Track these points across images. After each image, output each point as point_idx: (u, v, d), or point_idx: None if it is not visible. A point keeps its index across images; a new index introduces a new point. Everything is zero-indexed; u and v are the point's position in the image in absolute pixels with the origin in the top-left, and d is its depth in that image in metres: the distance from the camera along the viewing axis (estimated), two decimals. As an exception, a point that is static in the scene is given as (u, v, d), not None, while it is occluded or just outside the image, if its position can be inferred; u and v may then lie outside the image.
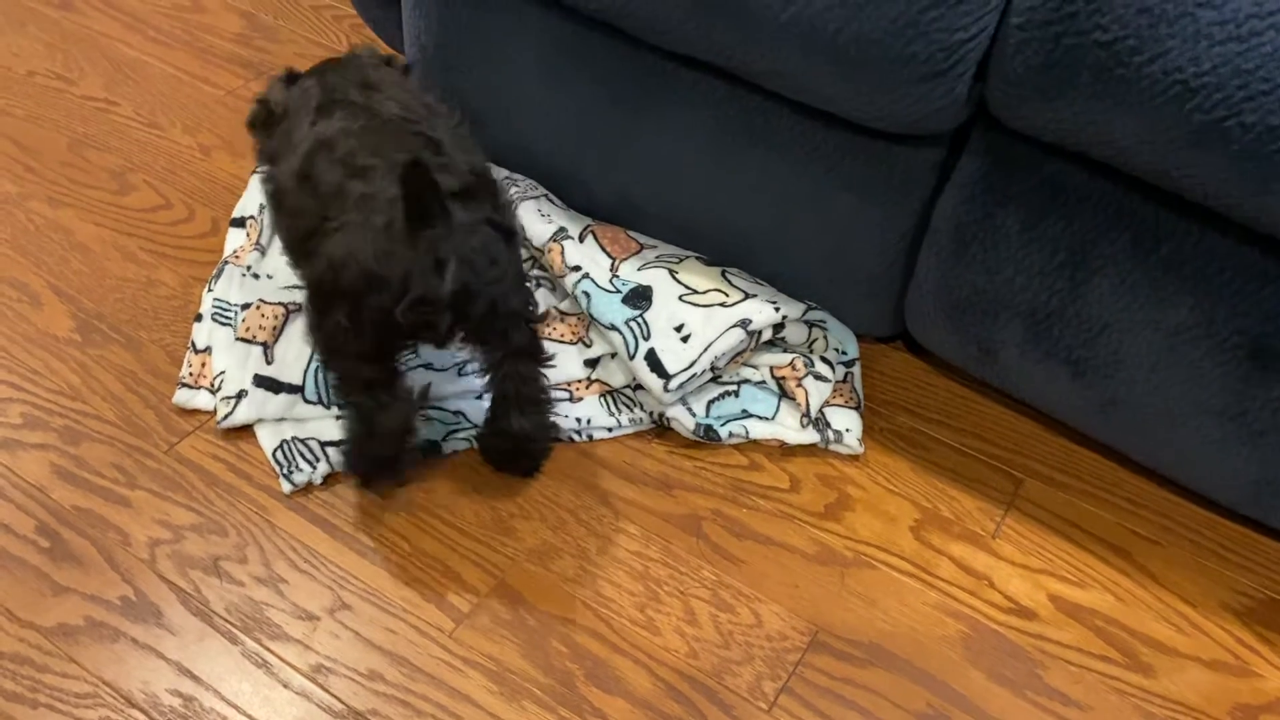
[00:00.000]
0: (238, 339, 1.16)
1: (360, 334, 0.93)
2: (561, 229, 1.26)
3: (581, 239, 1.27)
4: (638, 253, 1.28)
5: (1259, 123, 0.82)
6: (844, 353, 1.23)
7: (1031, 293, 1.06)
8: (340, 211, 0.92)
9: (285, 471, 1.07)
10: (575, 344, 1.22)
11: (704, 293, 1.19)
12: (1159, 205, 0.97)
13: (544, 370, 1.05)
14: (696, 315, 1.16)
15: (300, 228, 0.97)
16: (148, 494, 1.06)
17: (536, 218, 1.28)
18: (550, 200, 1.33)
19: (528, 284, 1.03)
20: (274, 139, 1.08)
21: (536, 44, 1.22)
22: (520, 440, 1.07)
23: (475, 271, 0.91)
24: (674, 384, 1.12)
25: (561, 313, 1.24)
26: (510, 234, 0.96)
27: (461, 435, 1.12)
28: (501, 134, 1.33)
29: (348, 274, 0.90)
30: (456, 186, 0.91)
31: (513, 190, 1.31)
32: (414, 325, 0.91)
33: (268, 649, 0.95)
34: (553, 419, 1.09)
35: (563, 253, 1.24)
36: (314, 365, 1.15)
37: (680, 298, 1.19)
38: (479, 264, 0.91)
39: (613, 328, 1.17)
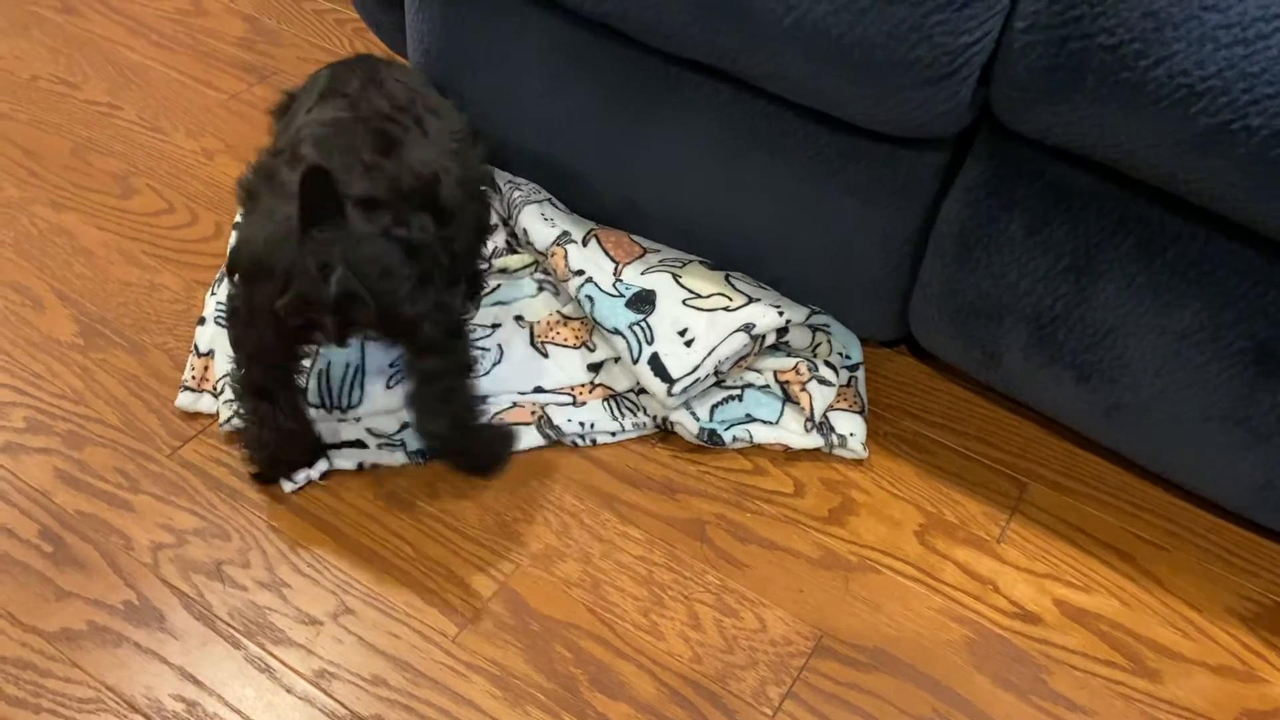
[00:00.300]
0: (241, 343, 1.16)
1: (251, 323, 0.96)
2: (565, 233, 1.26)
3: (585, 243, 1.27)
4: (641, 257, 1.28)
5: (1265, 126, 0.82)
6: (848, 357, 1.23)
7: (1036, 297, 1.05)
8: (268, 198, 0.95)
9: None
10: (579, 348, 1.22)
11: (707, 297, 1.19)
12: (1164, 209, 0.96)
13: (457, 370, 1.03)
14: (700, 320, 1.16)
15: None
16: (150, 498, 1.06)
17: (540, 221, 1.28)
18: (553, 204, 1.33)
19: (444, 290, 1.01)
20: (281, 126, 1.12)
21: (539, 47, 1.22)
22: (438, 439, 1.05)
23: (363, 279, 0.91)
24: (678, 388, 1.12)
25: (565, 317, 1.24)
26: (413, 248, 0.96)
27: (465, 439, 1.12)
28: (505, 137, 1.33)
29: (240, 257, 0.95)
30: (363, 194, 0.94)
31: (516, 194, 1.31)
32: (299, 322, 0.93)
33: (271, 654, 0.95)
34: (477, 419, 1.06)
35: (566, 257, 1.23)
36: (317, 368, 1.15)
37: (684, 302, 1.19)
38: (367, 273, 0.92)
39: (616, 332, 1.17)
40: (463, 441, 1.07)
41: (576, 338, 1.22)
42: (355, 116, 1.03)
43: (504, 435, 1.10)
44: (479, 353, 1.19)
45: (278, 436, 1.03)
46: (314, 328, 0.94)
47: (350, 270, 0.91)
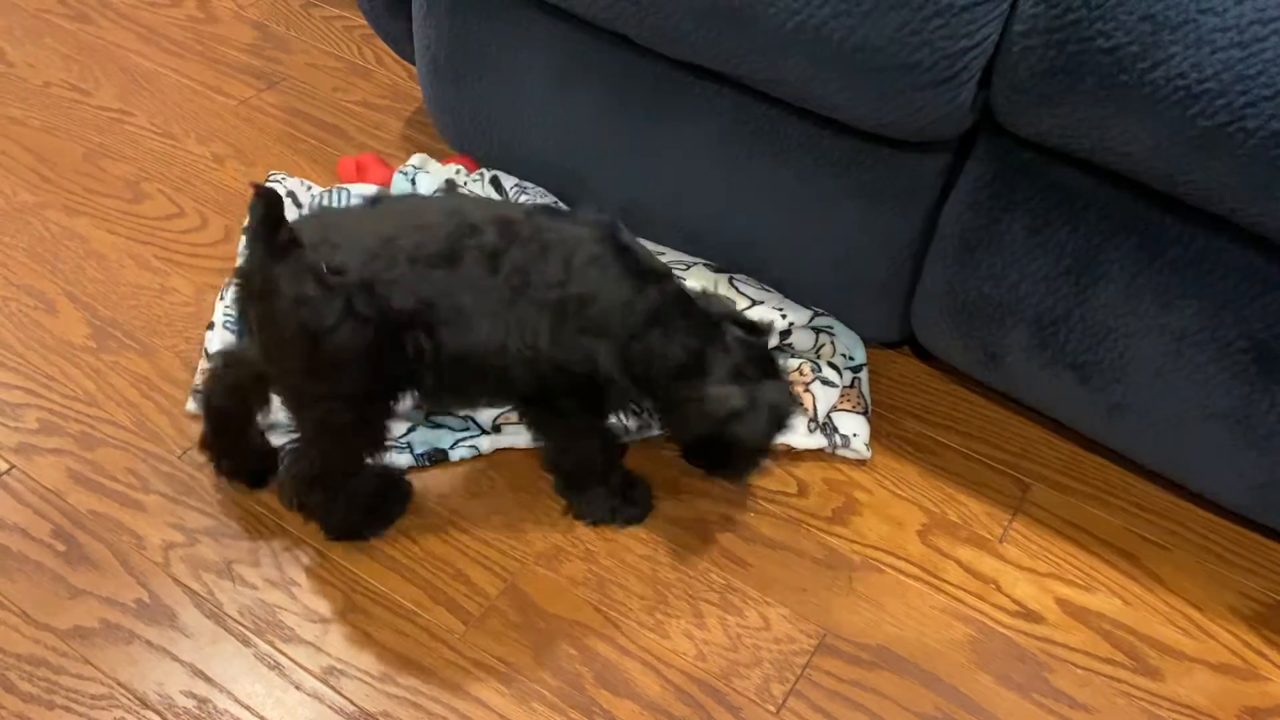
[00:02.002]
0: (250, 345, 1.17)
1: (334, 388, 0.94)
2: (570, 236, 1.27)
3: (590, 246, 1.28)
4: (646, 259, 1.29)
5: (1262, 128, 0.83)
6: (851, 358, 1.24)
7: (1037, 298, 1.06)
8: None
9: (297, 476, 1.08)
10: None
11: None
12: (1164, 210, 0.97)
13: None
14: (704, 321, 1.17)
15: None
16: (162, 498, 1.07)
17: (546, 225, 1.29)
18: (559, 207, 1.34)
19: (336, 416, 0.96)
20: None
21: (545, 53, 1.23)
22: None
23: (261, 331, 0.92)
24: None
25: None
26: (314, 340, 0.89)
27: (469, 442, 1.13)
28: (511, 141, 1.34)
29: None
30: (318, 265, 0.87)
31: (523, 198, 1.32)
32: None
33: (280, 651, 0.96)
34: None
35: (572, 259, 1.24)
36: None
37: (688, 304, 1.20)
38: (265, 329, 0.91)
39: (621, 333, 1.18)
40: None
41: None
42: (472, 225, 0.93)
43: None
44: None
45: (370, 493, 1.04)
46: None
47: (258, 309, 0.91)
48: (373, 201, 0.99)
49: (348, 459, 0.99)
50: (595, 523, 1.08)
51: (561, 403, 0.99)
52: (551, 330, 0.93)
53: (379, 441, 0.99)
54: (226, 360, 1.02)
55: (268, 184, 0.89)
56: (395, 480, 1.08)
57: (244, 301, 0.93)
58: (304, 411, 0.96)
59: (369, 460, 1.00)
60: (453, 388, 0.96)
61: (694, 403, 0.95)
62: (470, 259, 0.91)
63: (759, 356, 1.00)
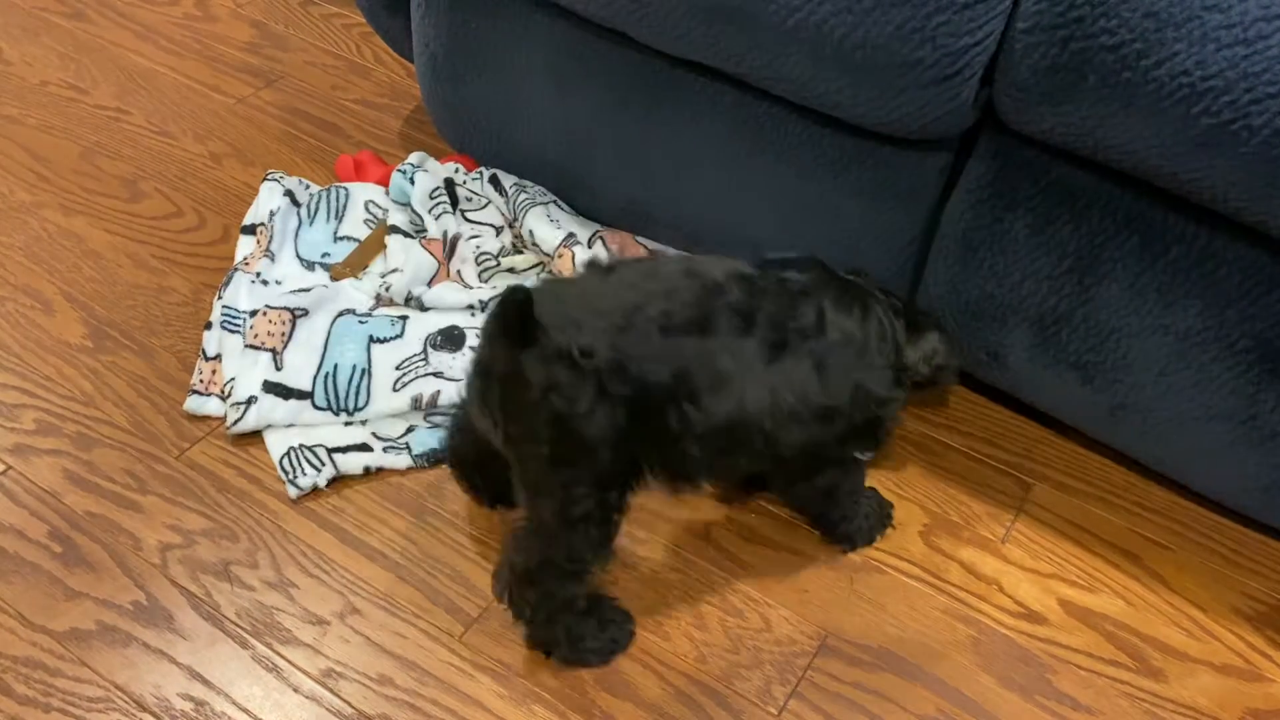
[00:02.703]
0: (247, 346, 1.17)
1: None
2: (571, 234, 1.27)
3: (590, 245, 1.28)
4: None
5: (1266, 125, 0.82)
6: (852, 358, 1.23)
7: (1040, 297, 1.06)
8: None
9: (291, 477, 1.08)
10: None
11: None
12: (1167, 209, 0.97)
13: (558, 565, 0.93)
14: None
15: None
16: (159, 499, 1.06)
17: (546, 223, 1.28)
18: (559, 206, 1.33)
19: (591, 498, 0.89)
20: None
21: (544, 51, 1.22)
22: None
23: (504, 420, 0.87)
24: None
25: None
26: (564, 426, 0.84)
27: (471, 441, 1.13)
28: (511, 140, 1.33)
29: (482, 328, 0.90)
30: (573, 347, 0.82)
31: (522, 196, 1.32)
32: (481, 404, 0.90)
33: (278, 653, 0.96)
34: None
35: (573, 259, 1.24)
36: (323, 371, 1.15)
37: (689, 303, 1.19)
38: (510, 418, 0.87)
39: (621, 333, 1.17)
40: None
41: (582, 339, 1.23)
42: (715, 284, 0.89)
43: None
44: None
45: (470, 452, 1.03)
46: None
47: (499, 398, 0.86)
48: (605, 270, 0.91)
49: (573, 553, 0.91)
50: (870, 543, 1.08)
51: (831, 451, 0.96)
52: (821, 379, 0.89)
53: (610, 537, 0.91)
54: (463, 424, 0.99)
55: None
56: (616, 607, 1.00)
57: (484, 389, 0.88)
58: (542, 499, 0.89)
59: (593, 561, 0.92)
60: (717, 458, 0.90)
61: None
62: (723, 321, 0.86)
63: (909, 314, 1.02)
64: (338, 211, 1.35)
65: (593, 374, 0.82)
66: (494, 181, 1.35)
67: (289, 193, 1.36)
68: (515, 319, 0.81)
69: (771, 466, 0.99)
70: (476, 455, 1.01)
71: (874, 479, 1.14)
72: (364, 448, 1.11)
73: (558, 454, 0.85)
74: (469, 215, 1.34)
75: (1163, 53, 0.84)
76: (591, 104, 1.23)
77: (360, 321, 1.20)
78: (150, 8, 1.73)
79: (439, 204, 1.33)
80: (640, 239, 1.31)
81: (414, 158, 1.39)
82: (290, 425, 1.12)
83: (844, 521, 1.06)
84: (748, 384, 0.87)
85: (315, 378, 1.15)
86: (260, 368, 1.15)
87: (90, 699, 0.92)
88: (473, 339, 1.21)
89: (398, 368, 1.17)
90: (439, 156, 1.42)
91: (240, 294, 1.23)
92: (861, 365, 0.93)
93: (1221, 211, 0.91)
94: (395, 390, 1.15)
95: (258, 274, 1.26)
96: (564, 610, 0.94)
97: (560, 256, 1.25)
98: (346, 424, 1.14)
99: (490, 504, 1.06)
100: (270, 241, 1.30)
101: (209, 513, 1.06)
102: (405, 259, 1.27)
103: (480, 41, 1.26)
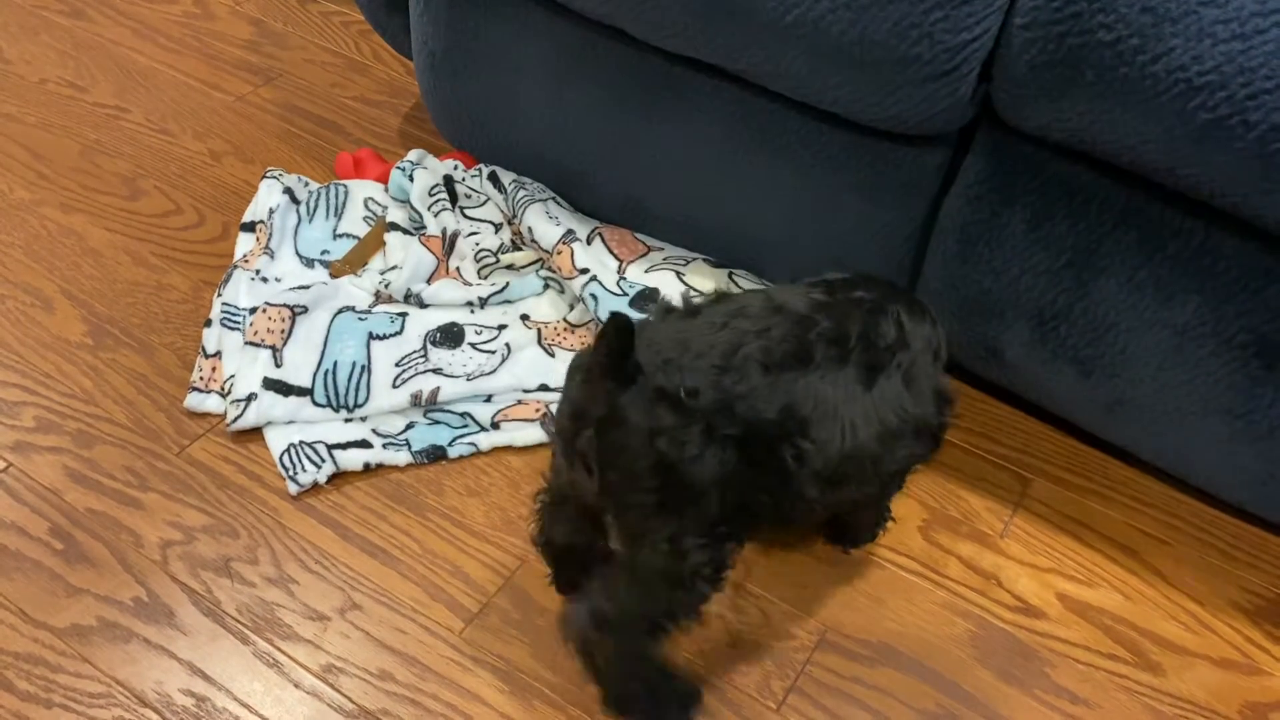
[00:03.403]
0: (246, 343, 1.17)
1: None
2: (570, 231, 1.27)
3: (589, 241, 1.28)
4: (645, 255, 1.29)
5: (1263, 120, 0.82)
6: (851, 353, 1.23)
7: (1038, 292, 1.06)
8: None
9: (291, 474, 1.08)
10: (583, 346, 1.22)
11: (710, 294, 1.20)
12: (1165, 204, 0.97)
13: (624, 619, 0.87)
14: (704, 317, 1.16)
15: None
16: (159, 496, 1.07)
17: (545, 220, 1.28)
18: (558, 203, 1.34)
19: (689, 533, 0.83)
20: None
21: (543, 48, 1.22)
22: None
23: (601, 461, 0.80)
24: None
25: (571, 324, 1.25)
26: (667, 468, 0.79)
27: (468, 439, 1.13)
28: (509, 137, 1.33)
29: (570, 363, 0.85)
30: (678, 389, 0.78)
31: (521, 193, 1.32)
32: (559, 443, 0.85)
33: (279, 649, 0.96)
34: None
35: (572, 255, 1.24)
36: (323, 368, 1.16)
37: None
38: (606, 457, 0.80)
39: (620, 329, 1.17)
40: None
41: (583, 343, 1.23)
42: (803, 315, 0.85)
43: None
44: (487, 358, 1.20)
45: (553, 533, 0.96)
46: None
47: (596, 445, 0.80)
48: (689, 312, 0.86)
49: (672, 609, 0.86)
50: (872, 540, 1.08)
51: (916, 462, 0.94)
52: (912, 392, 0.87)
53: (706, 597, 0.86)
54: (556, 498, 0.93)
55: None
56: (686, 680, 0.95)
57: (576, 434, 0.81)
58: (646, 551, 0.84)
59: (688, 619, 0.87)
60: (829, 492, 0.86)
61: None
62: (820, 352, 0.83)
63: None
64: (337, 209, 1.36)
65: (700, 415, 0.78)
66: (493, 178, 1.35)
67: (288, 190, 1.36)
68: (618, 352, 0.76)
69: (875, 489, 0.94)
70: (568, 533, 0.95)
71: (873, 474, 1.14)
72: (364, 444, 1.11)
73: (665, 501, 0.80)
74: (468, 212, 1.35)
75: (1159, 48, 0.84)
76: (590, 101, 1.23)
77: (360, 318, 1.21)
78: (149, 6, 1.73)
79: (438, 201, 1.33)
80: (639, 235, 1.32)
81: (413, 155, 1.39)
82: (290, 422, 1.13)
83: (868, 526, 1.05)
84: (854, 411, 0.84)
85: (315, 374, 1.15)
86: (260, 365, 1.15)
87: (91, 695, 0.92)
88: (472, 335, 1.21)
89: (397, 364, 1.17)
90: (438, 153, 1.42)
91: (240, 291, 1.23)
92: (936, 369, 0.91)
93: (1219, 206, 0.91)
94: (395, 387, 1.15)
95: (257, 271, 1.26)
96: (642, 668, 0.89)
97: (559, 253, 1.25)
98: (346, 420, 1.14)
99: (565, 589, 1.00)
100: (270, 239, 1.30)
101: (209, 509, 1.06)
102: (404, 256, 1.27)
103: (479, 39, 1.26)
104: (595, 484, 0.82)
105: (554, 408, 0.97)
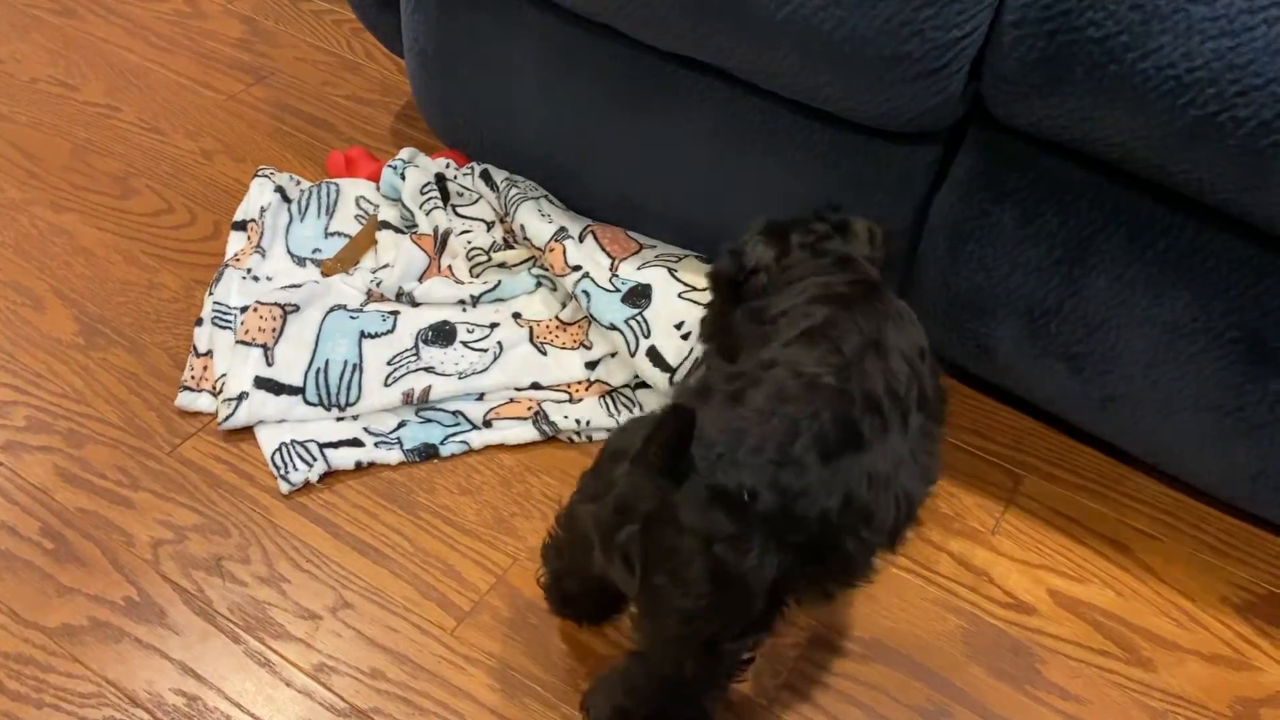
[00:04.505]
0: (238, 342, 1.17)
1: (570, 528, 0.84)
2: (562, 229, 1.27)
3: (581, 239, 1.28)
4: (637, 252, 1.29)
5: (1252, 117, 0.82)
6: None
7: (1028, 289, 1.06)
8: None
9: (282, 473, 1.08)
10: (577, 349, 1.22)
11: (703, 290, 1.20)
12: (1155, 200, 0.97)
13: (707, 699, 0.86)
14: (695, 313, 1.17)
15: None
16: (150, 495, 1.06)
17: (537, 218, 1.28)
18: (550, 201, 1.33)
19: (735, 647, 0.80)
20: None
21: (535, 46, 1.22)
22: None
23: (646, 562, 0.75)
24: (678, 376, 1.13)
25: (563, 322, 1.25)
26: (725, 579, 0.74)
27: (460, 437, 1.13)
28: (501, 135, 1.33)
29: (611, 439, 0.83)
30: (730, 486, 0.73)
31: (513, 191, 1.32)
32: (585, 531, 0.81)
33: (270, 648, 0.96)
34: None
35: (564, 253, 1.24)
36: (314, 366, 1.15)
37: (679, 295, 1.20)
38: (654, 559, 0.75)
39: (613, 327, 1.17)
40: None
41: (575, 340, 1.23)
42: (838, 389, 0.81)
43: None
44: (479, 356, 1.20)
45: (561, 590, 0.95)
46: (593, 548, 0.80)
47: (641, 542, 0.75)
48: (732, 398, 0.81)
49: (697, 708, 0.85)
50: None
51: None
52: (927, 413, 0.86)
53: (730, 680, 0.85)
54: (567, 555, 0.91)
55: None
56: None
57: (617, 528, 0.76)
58: (676, 649, 0.80)
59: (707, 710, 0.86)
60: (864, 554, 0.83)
61: None
62: (868, 428, 0.80)
63: None
64: (329, 207, 1.35)
65: (760, 521, 0.73)
66: (485, 177, 1.35)
67: (280, 189, 1.36)
68: (676, 447, 0.71)
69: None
70: (579, 590, 0.94)
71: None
72: (355, 443, 1.11)
73: (714, 607, 0.75)
74: (460, 210, 1.34)
75: (1149, 45, 0.84)
76: (581, 99, 1.23)
77: (351, 317, 1.21)
78: (140, 4, 1.73)
79: (430, 199, 1.33)
80: (631, 233, 1.32)
81: (405, 153, 1.39)
82: (281, 421, 1.12)
83: None
84: (903, 474, 0.82)
85: (306, 373, 1.15)
86: (251, 363, 1.15)
87: (82, 695, 0.92)
88: (463, 333, 1.21)
89: (389, 363, 1.17)
90: (430, 152, 1.42)
91: (231, 290, 1.23)
92: (932, 372, 0.89)
93: (1209, 203, 0.92)
94: (386, 385, 1.15)
95: (249, 270, 1.26)
96: None
97: (551, 251, 1.25)
98: (338, 419, 1.14)
99: (561, 614, 0.99)
100: (261, 237, 1.30)
101: (200, 508, 1.06)
102: (396, 254, 1.27)
103: (470, 37, 1.26)
104: (636, 583, 0.77)
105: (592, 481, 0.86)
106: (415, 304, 1.24)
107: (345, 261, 1.29)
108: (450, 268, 1.29)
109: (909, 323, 0.91)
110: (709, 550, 0.73)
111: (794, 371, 0.82)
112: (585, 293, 1.20)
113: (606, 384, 1.19)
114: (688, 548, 0.73)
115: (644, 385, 1.18)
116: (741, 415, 0.78)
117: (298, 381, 1.14)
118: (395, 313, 1.22)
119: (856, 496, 0.78)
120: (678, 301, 1.19)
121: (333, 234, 1.33)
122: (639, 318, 1.17)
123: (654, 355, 1.14)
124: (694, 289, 1.20)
